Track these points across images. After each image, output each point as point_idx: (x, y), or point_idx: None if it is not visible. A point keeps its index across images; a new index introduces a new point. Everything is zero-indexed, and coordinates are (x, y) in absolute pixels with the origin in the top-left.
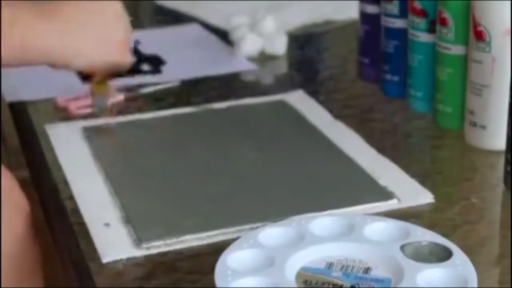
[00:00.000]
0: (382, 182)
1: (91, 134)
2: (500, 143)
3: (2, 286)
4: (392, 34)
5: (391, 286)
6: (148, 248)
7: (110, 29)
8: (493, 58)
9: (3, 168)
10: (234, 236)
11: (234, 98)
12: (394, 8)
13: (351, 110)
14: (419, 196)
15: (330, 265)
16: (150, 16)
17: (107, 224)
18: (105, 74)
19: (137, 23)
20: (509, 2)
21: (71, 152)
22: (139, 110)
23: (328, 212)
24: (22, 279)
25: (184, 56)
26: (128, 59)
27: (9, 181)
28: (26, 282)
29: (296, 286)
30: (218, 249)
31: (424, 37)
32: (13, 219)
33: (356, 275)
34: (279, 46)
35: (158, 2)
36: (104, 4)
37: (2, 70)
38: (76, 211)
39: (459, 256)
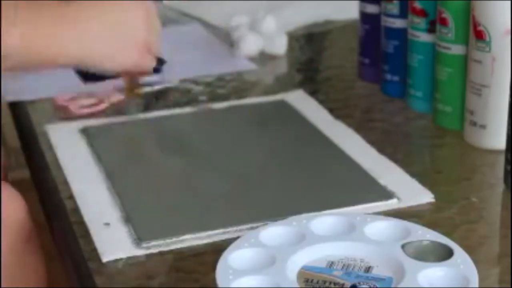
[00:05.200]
0: (382, 181)
1: (91, 134)
2: (500, 143)
3: None
4: (392, 34)
5: (392, 285)
6: (148, 248)
7: (130, 30)
8: (493, 58)
9: None
10: (235, 235)
11: (234, 98)
12: (394, 8)
13: (351, 110)
14: (419, 195)
15: (331, 264)
16: None
17: (107, 224)
18: (130, 79)
19: None
20: (509, 2)
21: (71, 152)
22: (139, 110)
23: (328, 211)
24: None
25: (184, 56)
26: (150, 63)
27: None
28: None
29: (297, 285)
30: (218, 249)
31: (424, 37)
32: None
33: (357, 274)
34: (279, 46)
35: (158, 2)
36: (127, 4)
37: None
38: (76, 210)
39: (460, 255)
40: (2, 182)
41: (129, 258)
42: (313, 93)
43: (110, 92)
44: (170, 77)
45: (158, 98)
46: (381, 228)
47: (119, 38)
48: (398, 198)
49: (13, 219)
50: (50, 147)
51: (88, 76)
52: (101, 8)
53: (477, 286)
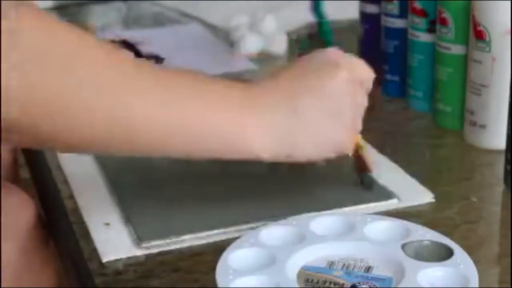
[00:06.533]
0: (382, 181)
1: None
2: (500, 143)
3: None
4: (392, 34)
5: (392, 285)
6: (148, 248)
7: (339, 114)
8: (493, 58)
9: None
10: (235, 235)
11: None
12: (394, 8)
13: None
14: (419, 195)
15: (331, 264)
16: (150, 16)
17: (107, 224)
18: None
19: (137, 23)
20: (509, 2)
21: None
22: None
23: (328, 211)
24: None
25: (184, 56)
26: (352, 143)
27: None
28: None
29: (297, 285)
30: (218, 249)
31: (424, 37)
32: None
33: (357, 274)
34: (279, 46)
35: (158, 2)
36: (336, 86)
37: None
38: (76, 210)
39: (460, 255)
40: (12, 186)
41: (129, 258)
42: None
43: None
44: None
45: None
46: (381, 228)
47: (325, 128)
48: (398, 198)
49: (22, 225)
50: None
51: None
52: (304, 93)
53: (477, 286)
